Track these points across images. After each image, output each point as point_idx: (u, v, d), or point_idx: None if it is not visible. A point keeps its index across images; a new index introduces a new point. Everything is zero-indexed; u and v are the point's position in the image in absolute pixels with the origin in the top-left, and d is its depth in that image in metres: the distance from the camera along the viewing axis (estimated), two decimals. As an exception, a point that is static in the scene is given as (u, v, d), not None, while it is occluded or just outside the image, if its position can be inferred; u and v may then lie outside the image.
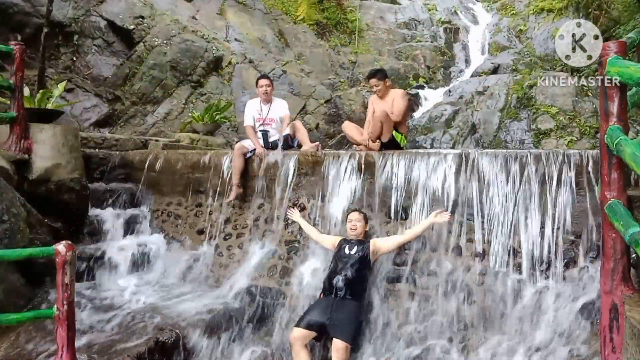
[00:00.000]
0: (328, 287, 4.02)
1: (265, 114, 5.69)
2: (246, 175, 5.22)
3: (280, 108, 5.75)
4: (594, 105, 9.40)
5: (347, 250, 4.16)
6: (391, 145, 5.20)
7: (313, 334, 3.82)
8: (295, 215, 4.81)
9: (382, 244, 4.20)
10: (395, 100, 5.30)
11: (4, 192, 3.97)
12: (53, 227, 4.59)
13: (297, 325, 3.86)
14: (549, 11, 13.44)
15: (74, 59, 8.94)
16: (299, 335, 3.78)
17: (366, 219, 4.39)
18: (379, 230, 4.47)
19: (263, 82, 5.67)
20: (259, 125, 5.70)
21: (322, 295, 4.05)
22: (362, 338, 3.92)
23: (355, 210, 4.42)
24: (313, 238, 4.59)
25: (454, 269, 4.01)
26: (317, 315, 3.86)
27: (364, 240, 4.25)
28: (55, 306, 3.04)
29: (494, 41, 14.09)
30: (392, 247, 4.21)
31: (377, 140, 5.17)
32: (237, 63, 10.43)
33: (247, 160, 5.25)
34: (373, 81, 5.38)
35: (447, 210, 4.14)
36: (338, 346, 3.66)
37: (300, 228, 4.75)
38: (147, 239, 5.31)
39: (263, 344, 4.08)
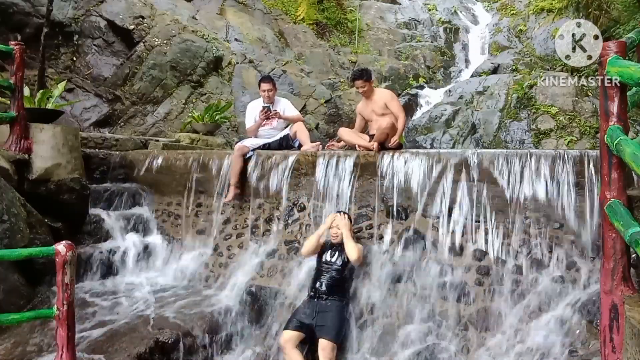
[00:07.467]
0: (312, 290, 4.09)
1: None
2: (245, 175, 5.21)
3: (283, 108, 5.75)
4: (594, 105, 9.40)
5: (328, 257, 4.18)
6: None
7: (302, 335, 3.87)
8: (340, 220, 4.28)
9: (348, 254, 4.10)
10: (389, 104, 5.25)
11: (4, 192, 3.97)
12: (53, 227, 4.59)
13: (286, 327, 3.92)
14: (549, 11, 13.46)
15: (74, 59, 8.95)
16: (289, 337, 3.84)
17: (350, 220, 4.34)
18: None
19: (265, 86, 5.63)
20: (261, 126, 5.70)
21: (307, 298, 4.09)
22: (348, 336, 3.94)
23: (339, 212, 4.33)
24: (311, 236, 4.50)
25: (454, 268, 4.01)
26: (304, 317, 3.92)
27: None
28: (55, 306, 3.04)
29: (494, 41, 14.11)
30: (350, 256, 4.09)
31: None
32: (237, 63, 10.43)
33: (246, 161, 5.24)
34: (359, 82, 5.31)
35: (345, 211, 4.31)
36: (324, 345, 3.73)
37: (300, 228, 4.76)
38: (148, 238, 5.31)
39: (263, 344, 4.09)
